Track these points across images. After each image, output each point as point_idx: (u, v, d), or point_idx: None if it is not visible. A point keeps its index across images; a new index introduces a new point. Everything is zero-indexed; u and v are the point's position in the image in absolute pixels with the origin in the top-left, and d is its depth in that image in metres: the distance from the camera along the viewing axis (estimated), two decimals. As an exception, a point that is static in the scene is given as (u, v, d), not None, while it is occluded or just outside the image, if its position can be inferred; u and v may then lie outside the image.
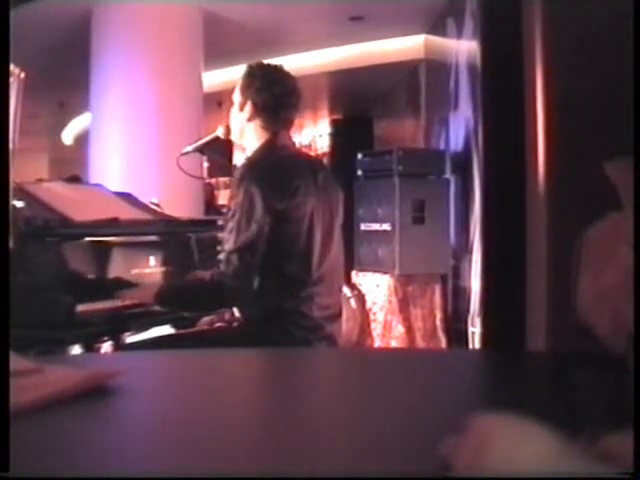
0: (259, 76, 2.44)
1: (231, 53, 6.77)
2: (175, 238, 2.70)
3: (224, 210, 2.40)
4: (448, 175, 5.24)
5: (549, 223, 2.24)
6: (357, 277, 5.11)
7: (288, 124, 2.48)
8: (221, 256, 2.29)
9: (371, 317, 4.84)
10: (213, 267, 2.38)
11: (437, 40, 6.25)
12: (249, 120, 2.43)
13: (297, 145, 2.66)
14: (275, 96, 2.41)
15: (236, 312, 2.46)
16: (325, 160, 11.06)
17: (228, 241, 2.26)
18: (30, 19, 5.36)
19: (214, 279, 2.26)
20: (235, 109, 2.48)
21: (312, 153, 11.69)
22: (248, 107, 2.42)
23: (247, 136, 2.46)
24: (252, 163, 2.40)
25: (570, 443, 0.54)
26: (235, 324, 2.46)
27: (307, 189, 2.34)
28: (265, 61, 2.53)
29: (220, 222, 2.61)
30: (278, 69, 2.49)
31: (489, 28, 2.81)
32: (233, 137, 2.53)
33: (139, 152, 5.57)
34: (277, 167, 2.36)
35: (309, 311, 2.29)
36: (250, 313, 2.36)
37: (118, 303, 2.32)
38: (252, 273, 2.25)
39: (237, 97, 2.47)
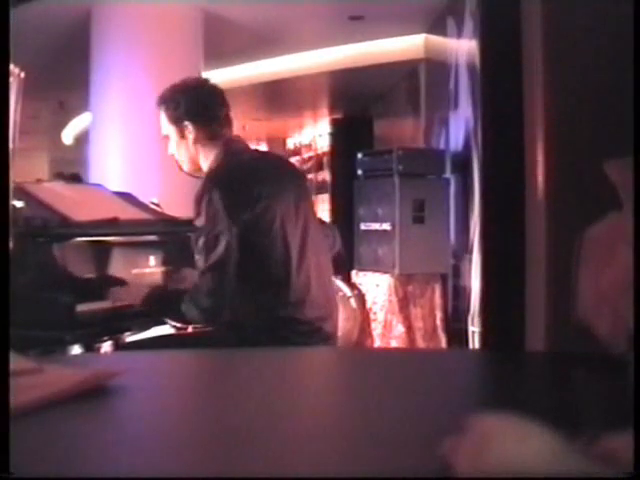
0: (172, 99, 2.42)
1: (231, 53, 6.77)
2: (175, 238, 2.69)
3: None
4: (448, 175, 5.24)
5: (549, 223, 2.24)
6: (357, 277, 5.11)
7: (219, 128, 2.42)
8: (195, 276, 2.27)
9: (371, 317, 4.84)
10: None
11: (437, 40, 6.24)
12: (195, 142, 2.40)
13: (248, 144, 2.55)
14: (187, 109, 2.38)
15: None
16: (325, 159, 11.07)
17: (200, 261, 2.23)
18: (30, 19, 5.35)
19: (192, 300, 2.23)
20: (174, 141, 2.44)
21: (312, 153, 11.71)
22: (189, 129, 2.39)
23: (201, 157, 2.42)
24: (211, 177, 2.34)
25: (570, 443, 0.54)
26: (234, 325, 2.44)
27: (270, 192, 2.30)
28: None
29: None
30: (180, 85, 2.45)
31: (489, 28, 2.81)
32: (188, 169, 2.48)
33: (139, 152, 5.56)
34: (235, 176, 2.33)
35: (302, 315, 2.28)
36: (245, 323, 2.33)
37: (117, 303, 2.32)
38: (227, 290, 2.22)
39: (170, 129, 2.43)
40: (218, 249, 2.19)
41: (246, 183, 2.30)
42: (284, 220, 2.30)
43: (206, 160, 2.42)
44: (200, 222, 2.25)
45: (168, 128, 2.44)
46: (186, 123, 2.40)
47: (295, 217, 2.35)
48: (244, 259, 2.22)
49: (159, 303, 2.36)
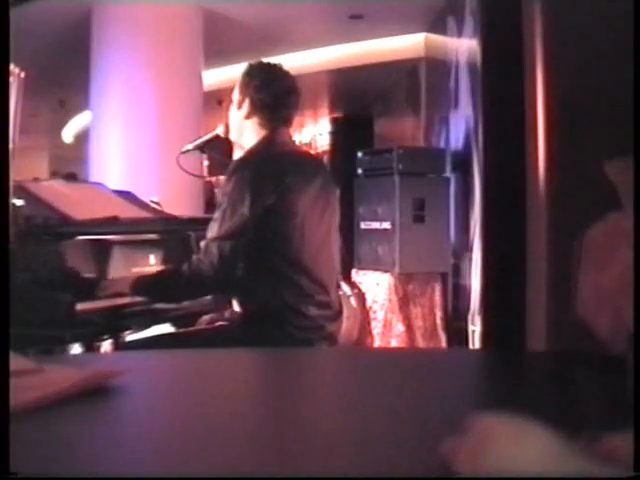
0: (258, 75, 2.46)
1: (231, 51, 6.77)
2: (175, 236, 2.69)
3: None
4: (448, 173, 5.23)
5: (549, 222, 2.24)
6: (357, 276, 5.10)
7: (287, 122, 2.48)
8: (202, 243, 2.28)
9: (371, 316, 4.83)
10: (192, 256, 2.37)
11: (437, 38, 6.24)
12: (247, 118, 2.44)
13: (297, 143, 2.64)
14: (273, 95, 2.42)
15: (236, 308, 2.45)
16: (325, 158, 11.07)
17: (211, 229, 2.25)
18: (30, 19, 5.35)
19: (191, 267, 2.25)
20: (234, 107, 2.49)
21: (312, 151, 11.71)
22: (246, 105, 2.43)
23: (245, 134, 2.47)
24: (246, 158, 2.40)
25: (570, 443, 0.54)
26: (235, 323, 2.45)
27: (300, 187, 2.33)
28: (265, 60, 2.53)
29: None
30: (277, 68, 2.49)
31: (489, 26, 2.81)
32: (231, 135, 2.54)
33: (139, 150, 5.57)
34: (270, 163, 2.35)
35: (306, 310, 2.28)
36: (246, 309, 2.35)
37: (117, 301, 2.32)
38: (229, 264, 2.24)
39: (236, 95, 2.48)
40: (233, 222, 2.22)
41: (278, 172, 2.32)
42: (306, 216, 2.32)
43: (248, 140, 2.45)
44: (222, 196, 2.27)
45: (235, 92, 2.49)
46: (247, 99, 2.44)
47: (319, 217, 2.38)
48: (258, 240, 2.24)
49: (149, 285, 2.35)
